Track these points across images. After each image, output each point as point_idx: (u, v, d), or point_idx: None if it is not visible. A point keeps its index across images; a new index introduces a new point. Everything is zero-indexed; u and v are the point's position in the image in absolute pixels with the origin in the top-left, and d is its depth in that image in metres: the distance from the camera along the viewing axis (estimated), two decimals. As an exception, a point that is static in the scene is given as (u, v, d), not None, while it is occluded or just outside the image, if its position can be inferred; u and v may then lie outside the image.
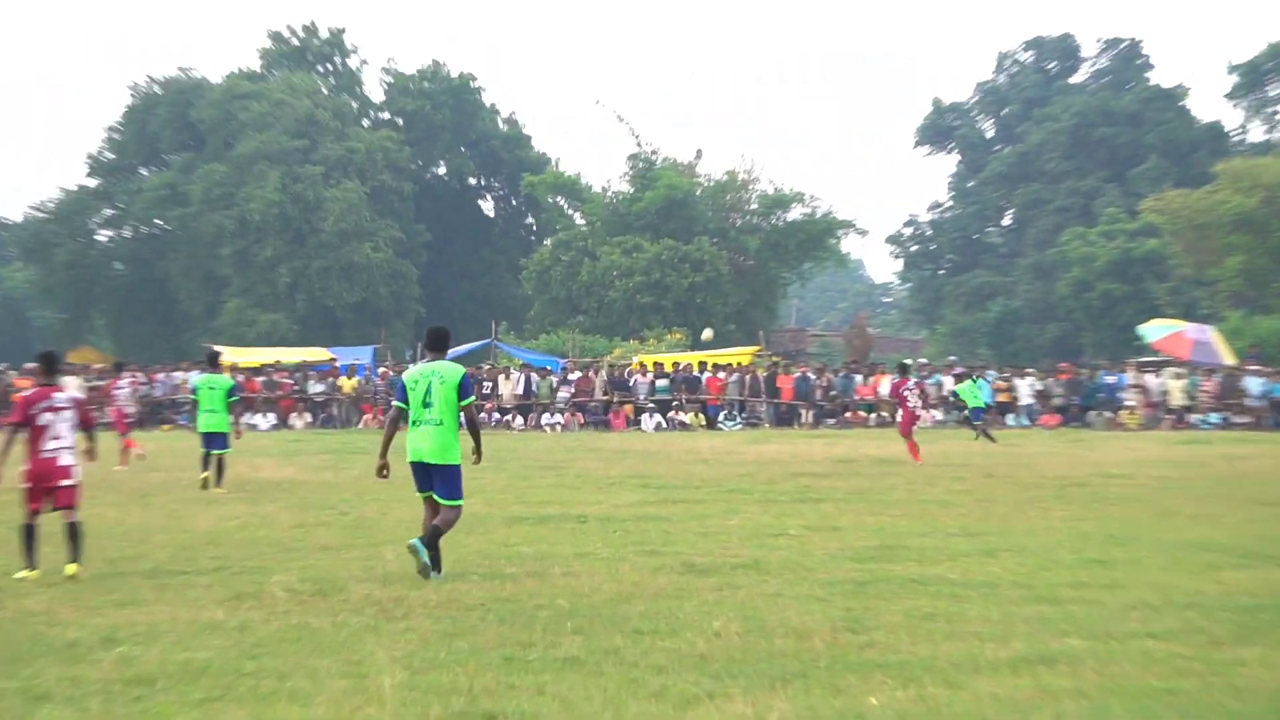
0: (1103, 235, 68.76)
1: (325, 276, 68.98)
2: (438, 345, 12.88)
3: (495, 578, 12.37)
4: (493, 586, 11.92)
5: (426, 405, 12.56)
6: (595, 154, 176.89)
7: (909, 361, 29.97)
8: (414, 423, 12.61)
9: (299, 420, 44.85)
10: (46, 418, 12.67)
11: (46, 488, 12.57)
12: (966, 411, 37.07)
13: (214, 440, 21.40)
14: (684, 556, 13.57)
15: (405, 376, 12.83)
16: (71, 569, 12.38)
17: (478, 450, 12.96)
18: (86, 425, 12.99)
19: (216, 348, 27.87)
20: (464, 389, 12.60)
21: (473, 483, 21.10)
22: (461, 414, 12.60)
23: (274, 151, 70.44)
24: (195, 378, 23.54)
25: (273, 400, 45.12)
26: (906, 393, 27.37)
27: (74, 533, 12.58)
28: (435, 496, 12.56)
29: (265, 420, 43.93)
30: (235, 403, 21.91)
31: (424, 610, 10.85)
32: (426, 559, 12.19)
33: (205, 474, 21.05)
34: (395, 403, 12.85)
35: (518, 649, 9.54)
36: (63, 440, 12.73)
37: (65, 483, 12.63)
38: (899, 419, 27.73)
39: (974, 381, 37.89)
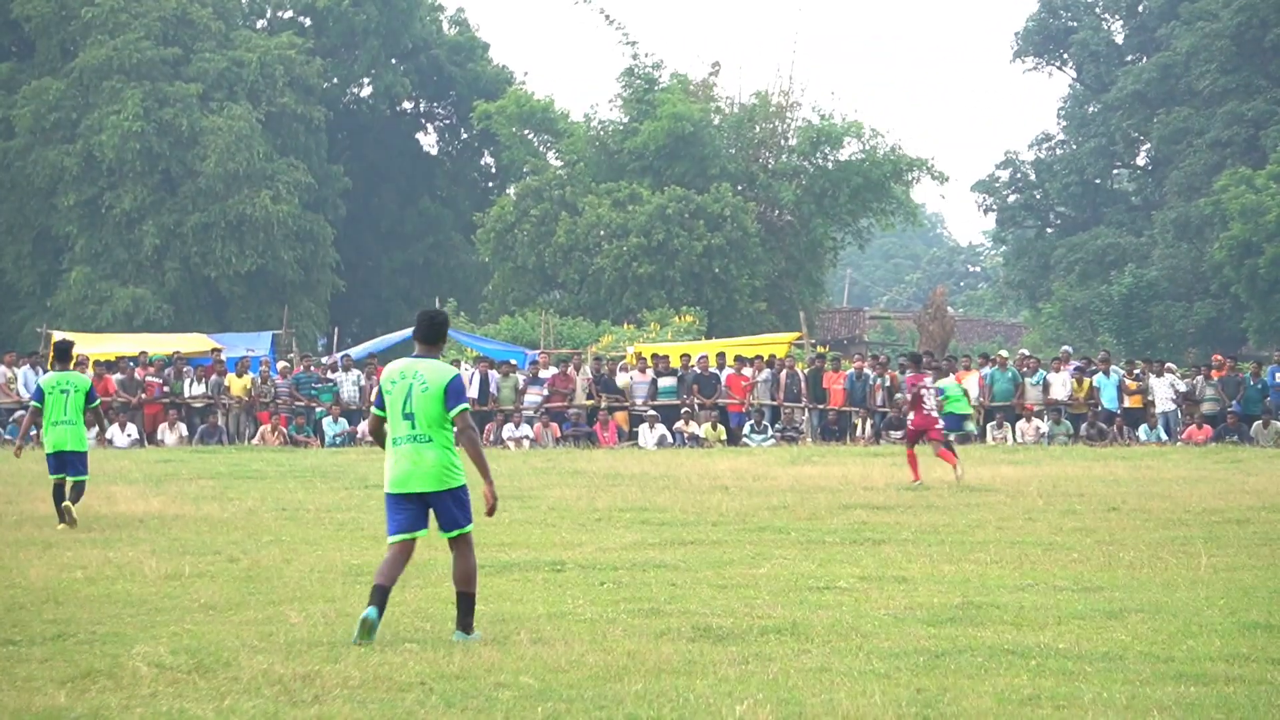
0: (1275, 179, 68.77)
1: (205, 236, 69.03)
2: (430, 336, 13.19)
3: (439, 646, 12.43)
4: (435, 658, 11.97)
5: (406, 417, 12.92)
6: (575, 69, 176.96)
7: (923, 354, 30.78)
8: (394, 440, 12.95)
9: (170, 434, 44.86)
10: None
11: None
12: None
13: (72, 462, 21.66)
14: (696, 618, 13.63)
15: (383, 376, 13.18)
16: None
17: (487, 481, 13.09)
18: None
19: (66, 336, 28.10)
20: (452, 394, 12.87)
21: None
22: (454, 427, 12.91)
23: (132, 63, 70.44)
24: (38, 378, 23.73)
25: (134, 406, 45.15)
26: (924, 391, 28.69)
27: None
28: (441, 532, 13.12)
29: (124, 434, 43.94)
30: (94, 410, 22.27)
31: (342, 690, 10.90)
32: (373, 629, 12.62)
33: (66, 504, 21.36)
34: (374, 410, 13.20)
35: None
36: None
37: None
38: (909, 422, 29.42)
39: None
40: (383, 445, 13.10)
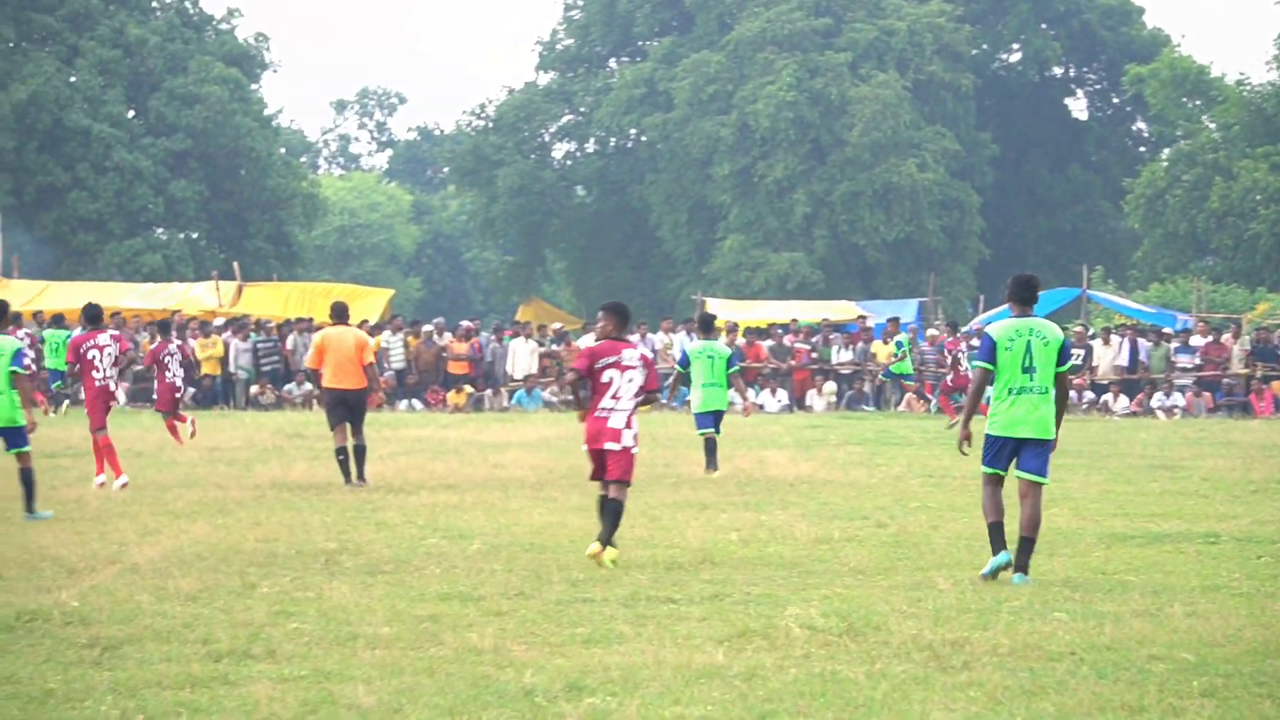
0: None
1: (853, 205, 69.82)
2: (1028, 297, 14.06)
3: (1089, 617, 12.25)
4: (1086, 629, 11.81)
5: (1027, 370, 13.78)
6: (1226, 29, 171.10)
7: None
8: (1010, 390, 13.81)
9: (819, 399, 45.68)
10: None
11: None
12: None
13: (712, 420, 23.61)
14: (1360, 597, 13.09)
15: (995, 333, 13.90)
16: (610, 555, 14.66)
17: (1056, 427, 13.99)
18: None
19: (707, 309, 29.41)
20: (1065, 353, 13.91)
21: (1056, 487, 21.05)
22: (1056, 383, 13.87)
23: (785, 35, 71.77)
24: (689, 344, 24.80)
25: (783, 372, 46.11)
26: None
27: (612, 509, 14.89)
28: (1021, 473, 13.89)
29: (774, 399, 44.96)
30: (736, 375, 23.21)
31: (991, 658, 10.86)
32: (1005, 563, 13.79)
33: (710, 469, 23.50)
34: (979, 363, 14.10)
35: (1124, 715, 9.42)
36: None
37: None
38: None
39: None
40: (978, 396, 14.37)
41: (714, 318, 25.90)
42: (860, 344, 46.85)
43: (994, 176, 76.77)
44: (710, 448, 23.85)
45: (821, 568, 14.88)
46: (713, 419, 23.95)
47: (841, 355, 46.74)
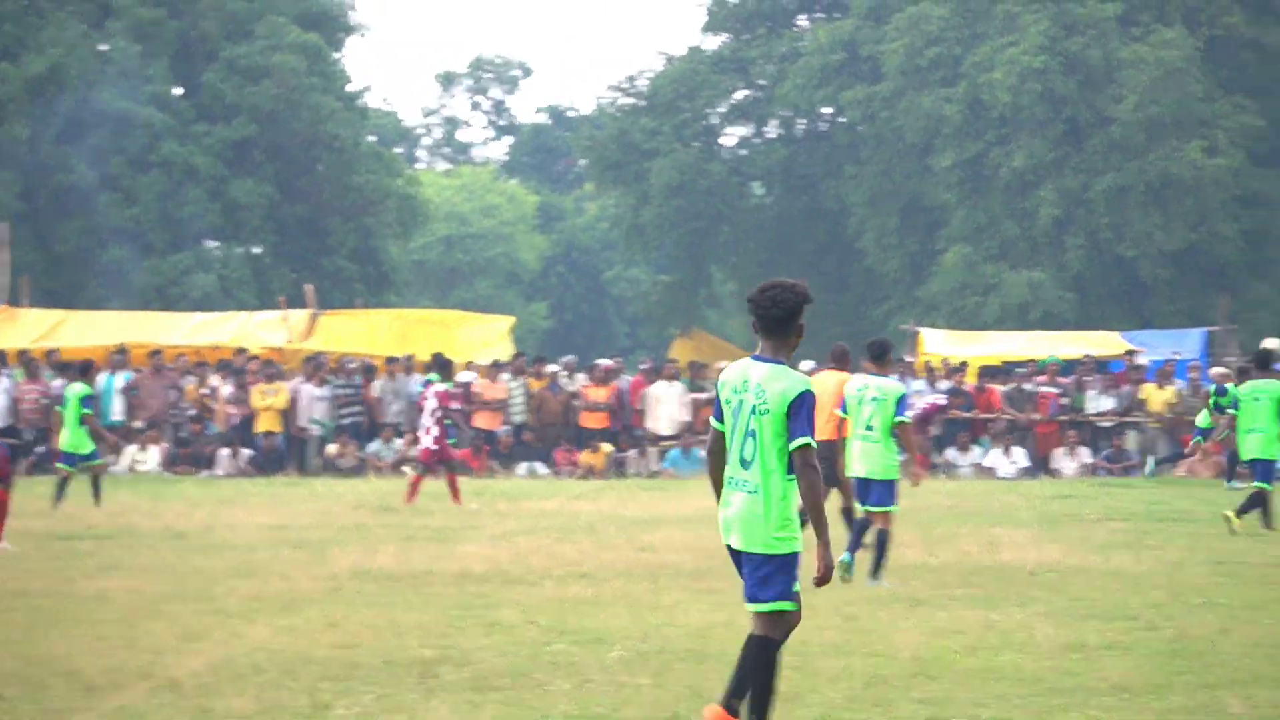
0: None
1: (1119, 203, 69.12)
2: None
3: None
4: None
5: None
6: None
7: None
8: None
9: (1069, 460, 45.39)
10: None
11: None
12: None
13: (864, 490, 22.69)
14: None
15: None
16: None
17: None
18: None
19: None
20: None
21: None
22: None
23: (1036, -18, 71.41)
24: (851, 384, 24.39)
25: (1023, 425, 45.90)
26: None
27: None
28: None
29: (1009, 460, 44.78)
30: (904, 424, 22.78)
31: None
32: None
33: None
34: None
35: None
36: None
37: None
38: None
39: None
40: None
41: (888, 345, 24.46)
42: (1127, 386, 46.53)
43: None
44: (859, 529, 22.95)
45: (1073, 684, 14.80)
46: (867, 489, 22.78)
47: (1102, 403, 46.45)
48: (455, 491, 33.21)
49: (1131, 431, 46.17)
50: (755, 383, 12.12)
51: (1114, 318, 65.83)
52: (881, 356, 22.98)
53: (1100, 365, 49.11)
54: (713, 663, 15.55)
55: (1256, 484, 28.85)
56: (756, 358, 12.30)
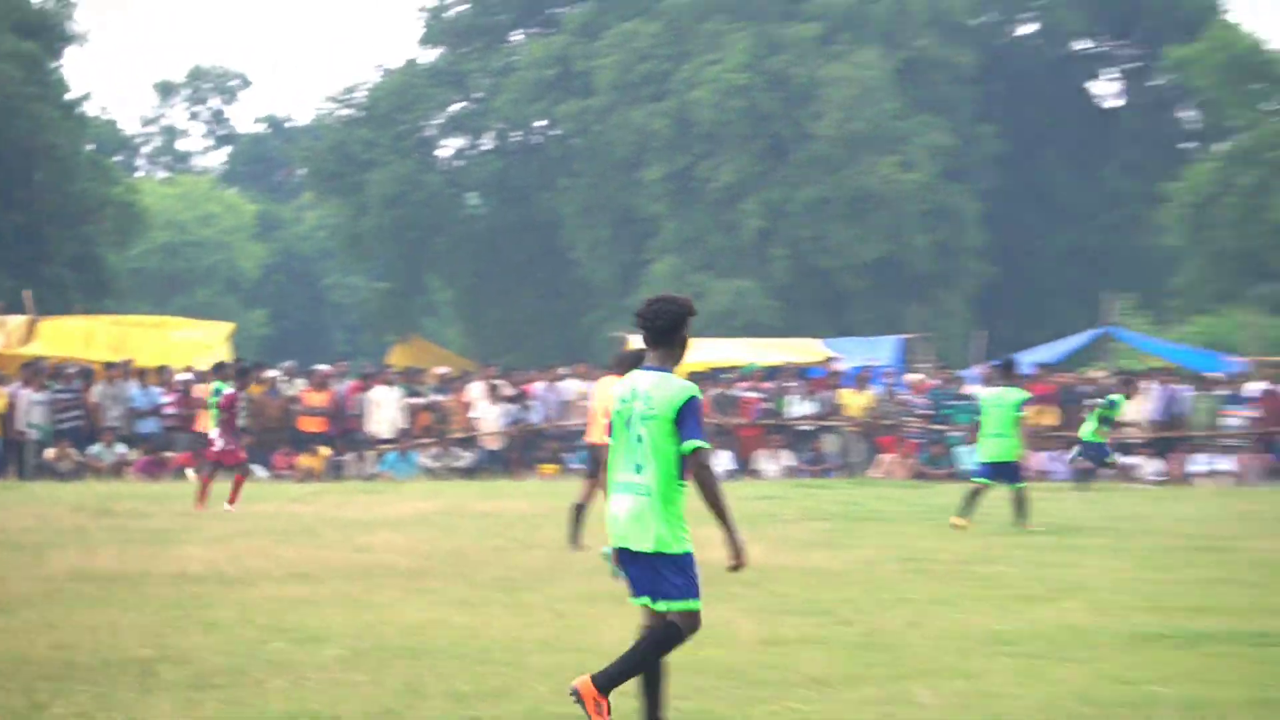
0: None
1: (819, 215, 69.89)
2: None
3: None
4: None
5: None
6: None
7: None
8: None
9: (771, 462, 45.79)
10: None
11: None
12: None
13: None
14: None
15: None
16: None
17: None
18: None
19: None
20: None
21: (1069, 572, 21.21)
22: None
23: (735, 1, 71.94)
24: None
25: (728, 429, 46.19)
26: None
27: None
28: None
29: (717, 459, 45.11)
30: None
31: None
32: None
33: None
34: None
35: None
36: None
37: None
38: None
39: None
40: None
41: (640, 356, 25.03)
42: (826, 392, 47.01)
43: (1000, 179, 77.11)
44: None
45: (771, 676, 14.93)
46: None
47: (802, 407, 46.87)
48: (235, 492, 32.82)
49: (830, 435, 46.65)
50: (643, 391, 12.37)
51: (815, 325, 66.49)
52: (633, 366, 23.56)
53: (801, 371, 49.59)
54: (428, 659, 15.56)
55: (982, 480, 29.56)
56: (645, 367, 12.57)
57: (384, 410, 46.36)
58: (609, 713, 12.07)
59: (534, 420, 47.15)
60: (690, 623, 12.42)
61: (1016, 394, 30.32)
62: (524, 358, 68.08)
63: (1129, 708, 13.50)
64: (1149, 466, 44.06)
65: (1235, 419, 44.59)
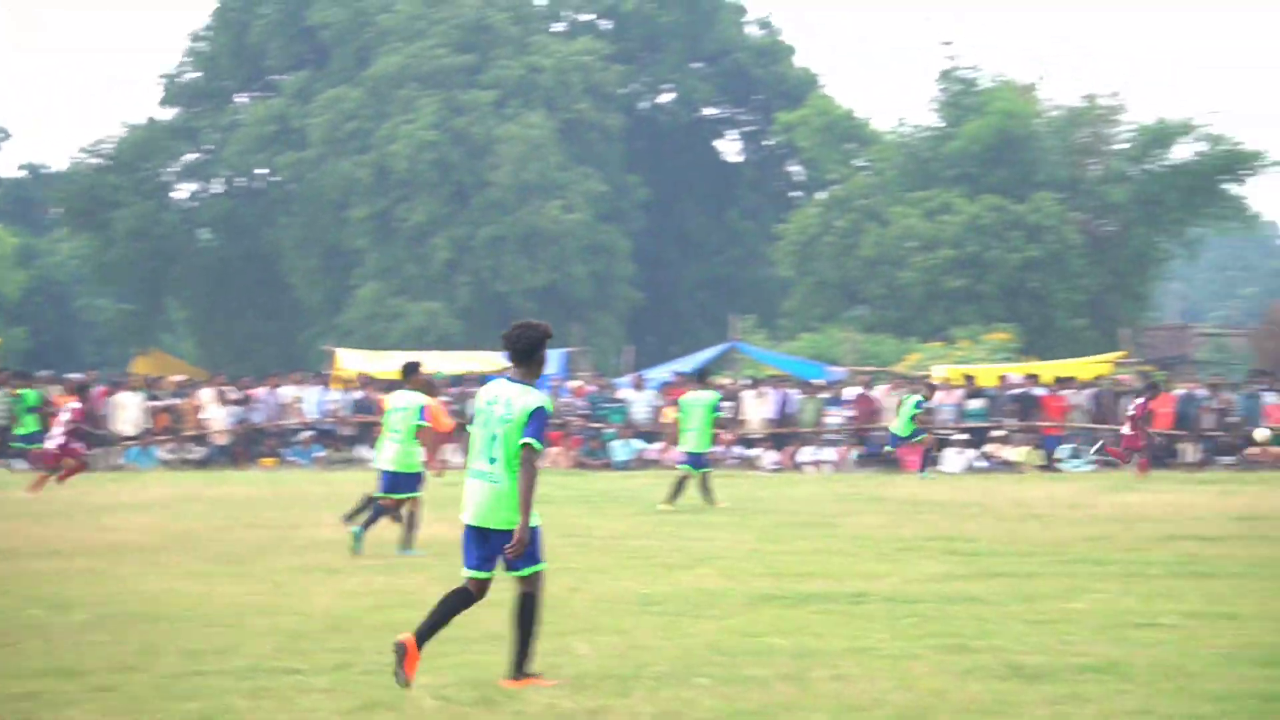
0: None
1: (497, 249, 69.91)
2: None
3: (733, 682, 12.44)
4: (730, 694, 12.00)
5: None
6: (883, 73, 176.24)
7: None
8: None
9: (457, 455, 45.61)
10: None
11: None
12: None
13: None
14: (1006, 655, 13.48)
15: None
16: None
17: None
18: None
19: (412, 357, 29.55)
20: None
21: (703, 545, 21.34)
22: None
23: (427, 71, 71.76)
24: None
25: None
26: None
27: None
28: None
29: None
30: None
31: (630, 727, 10.95)
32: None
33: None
34: None
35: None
36: None
37: None
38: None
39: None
40: None
41: (414, 365, 25.01)
42: (503, 397, 46.89)
43: (645, 221, 77.70)
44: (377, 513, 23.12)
45: (456, 634, 14.79)
46: (395, 480, 22.99)
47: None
48: (62, 479, 32.51)
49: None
50: (505, 398, 12.75)
51: (494, 340, 66.07)
52: (408, 375, 23.50)
53: (482, 378, 49.40)
54: (164, 622, 15.27)
55: (686, 468, 30.07)
56: (508, 379, 12.97)
57: (128, 412, 45.53)
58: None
59: (256, 420, 46.61)
60: (538, 583, 12.82)
61: (710, 396, 30.94)
62: (248, 368, 67.04)
63: (751, 655, 13.56)
64: (767, 457, 44.44)
65: (836, 418, 45.19)
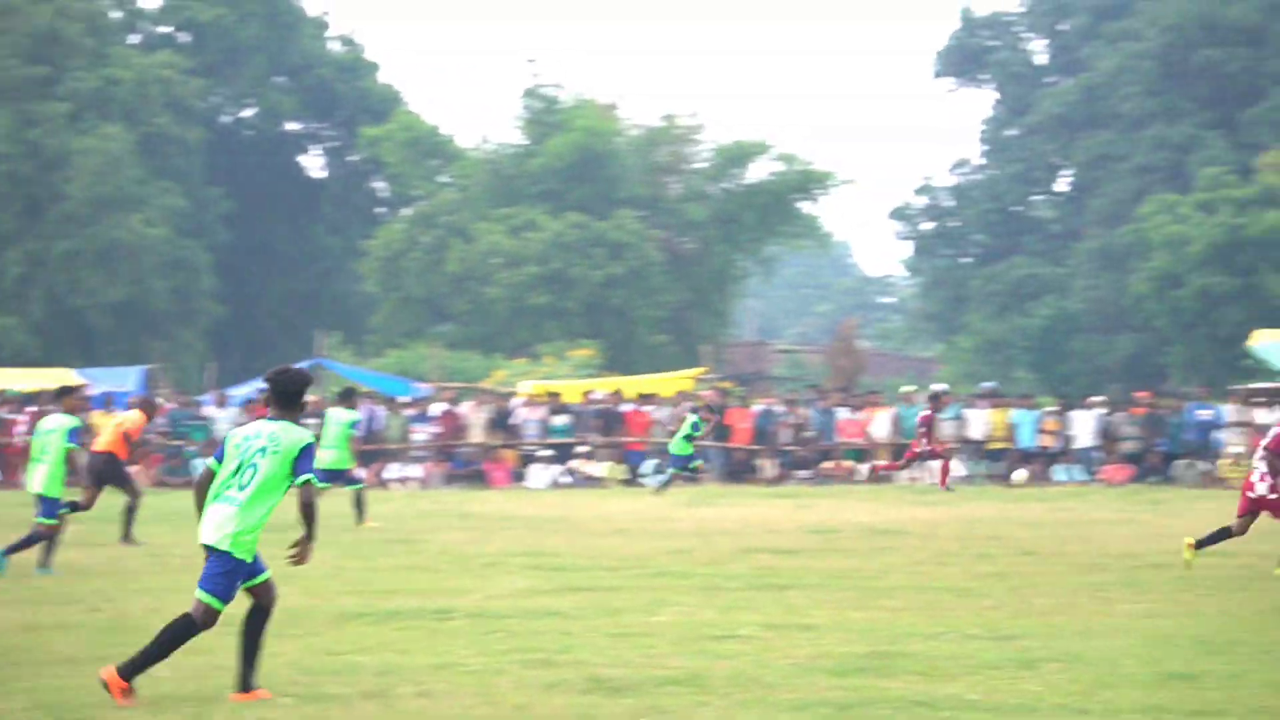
0: (1200, 207, 68.90)
1: (72, 264, 68.46)
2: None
3: (316, 700, 12.38)
4: (312, 713, 11.95)
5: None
6: (466, 89, 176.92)
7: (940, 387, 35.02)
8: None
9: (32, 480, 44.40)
10: None
11: None
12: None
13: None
14: (589, 668, 13.61)
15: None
16: None
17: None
18: None
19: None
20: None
21: (284, 563, 21.03)
22: None
23: (-1, 83, 69.98)
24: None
25: (-10, 447, 44.72)
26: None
27: None
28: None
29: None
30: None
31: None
32: None
33: None
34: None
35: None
36: None
37: None
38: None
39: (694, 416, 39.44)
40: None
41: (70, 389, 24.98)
42: (81, 414, 45.80)
43: (228, 235, 76.79)
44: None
45: (27, 657, 14.49)
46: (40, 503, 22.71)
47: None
48: None
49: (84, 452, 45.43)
50: (268, 434, 12.76)
51: (71, 357, 64.75)
52: (61, 397, 24.19)
53: (55, 394, 48.12)
54: None
55: (349, 487, 30.32)
56: (269, 419, 12.93)
57: None
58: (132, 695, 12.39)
59: None
60: (206, 616, 12.64)
61: (350, 415, 30.97)
62: None
63: (334, 674, 13.50)
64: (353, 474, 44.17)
65: (422, 434, 45.20)
